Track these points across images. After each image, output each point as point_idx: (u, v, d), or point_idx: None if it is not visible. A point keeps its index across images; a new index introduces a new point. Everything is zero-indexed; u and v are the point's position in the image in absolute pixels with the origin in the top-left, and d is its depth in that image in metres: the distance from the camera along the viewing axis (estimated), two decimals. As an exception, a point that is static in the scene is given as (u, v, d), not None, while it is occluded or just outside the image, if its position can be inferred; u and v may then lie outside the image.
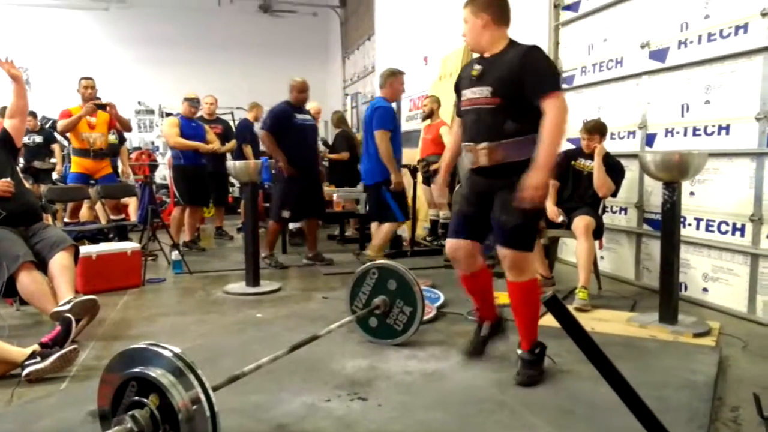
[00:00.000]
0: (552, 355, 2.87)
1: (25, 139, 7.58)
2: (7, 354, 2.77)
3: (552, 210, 4.13)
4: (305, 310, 3.95)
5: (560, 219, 4.09)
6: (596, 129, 4.13)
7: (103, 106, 5.70)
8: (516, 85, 2.43)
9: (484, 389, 2.53)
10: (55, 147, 7.87)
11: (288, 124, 5.17)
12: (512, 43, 2.58)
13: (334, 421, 2.24)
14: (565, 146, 5.17)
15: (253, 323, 3.72)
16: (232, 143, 7.08)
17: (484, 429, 2.17)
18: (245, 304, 4.20)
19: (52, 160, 7.86)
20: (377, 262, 3.15)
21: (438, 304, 3.76)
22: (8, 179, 3.52)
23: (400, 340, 3.05)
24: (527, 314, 2.60)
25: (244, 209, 5.28)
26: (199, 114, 6.67)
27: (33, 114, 8.05)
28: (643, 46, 4.41)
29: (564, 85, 5.48)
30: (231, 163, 4.93)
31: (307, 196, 5.30)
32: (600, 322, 3.49)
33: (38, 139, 7.70)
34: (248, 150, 7.39)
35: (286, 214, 5.24)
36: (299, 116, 5.33)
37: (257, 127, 6.93)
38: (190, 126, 6.27)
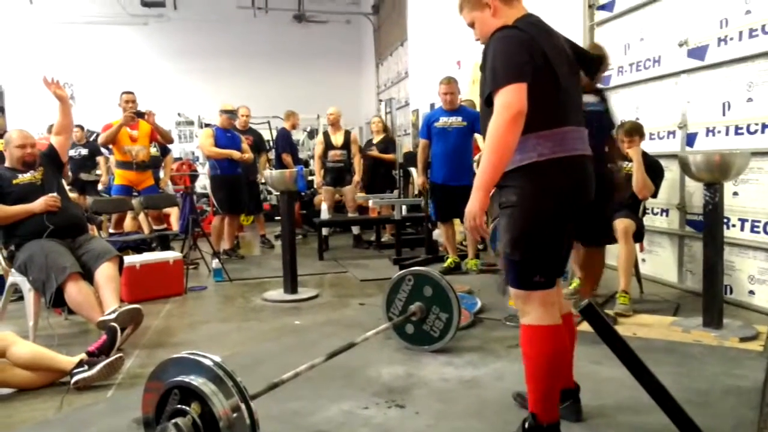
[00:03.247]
0: (591, 362, 2.83)
1: (72, 152, 7.86)
2: (57, 363, 2.87)
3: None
4: (342, 317, 3.98)
5: None
6: (635, 130, 4.05)
7: (141, 114, 5.86)
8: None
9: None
10: (100, 159, 8.11)
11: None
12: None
13: (372, 429, 2.25)
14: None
15: (291, 330, 3.76)
16: (263, 158, 7.24)
17: (523, 437, 2.15)
18: (283, 311, 4.26)
19: (98, 172, 8.10)
20: (413, 269, 3.15)
21: (475, 310, 3.74)
22: (55, 194, 3.65)
23: (436, 347, 3.05)
24: (526, 366, 1.95)
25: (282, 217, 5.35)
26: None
27: (80, 127, 8.33)
28: (681, 45, 4.32)
29: (600, 86, 5.39)
30: (268, 173, 5.02)
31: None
32: (642, 327, 3.42)
33: (84, 151, 7.95)
34: (288, 159, 7.51)
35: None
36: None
37: (296, 136, 7.05)
38: (225, 136, 6.39)
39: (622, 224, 3.88)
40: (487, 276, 5.00)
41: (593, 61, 2.09)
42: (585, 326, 2.52)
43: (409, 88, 10.66)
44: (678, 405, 1.37)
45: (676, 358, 2.91)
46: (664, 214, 4.63)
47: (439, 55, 9.03)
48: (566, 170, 1.87)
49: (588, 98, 3.00)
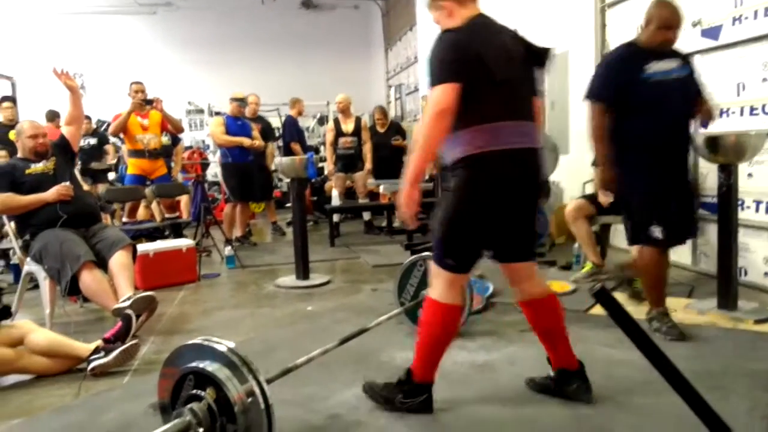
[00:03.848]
0: (604, 345, 2.82)
1: (81, 142, 7.90)
2: (74, 350, 2.92)
3: (602, 195, 4.04)
4: (354, 303, 4.00)
5: (610, 201, 4.00)
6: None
7: (150, 102, 5.88)
8: None
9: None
10: (109, 148, 8.15)
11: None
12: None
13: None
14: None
15: (303, 316, 3.78)
16: (271, 146, 7.22)
17: (537, 421, 2.16)
18: (296, 297, 4.28)
19: (109, 161, 8.13)
20: (425, 254, 3.15)
21: (487, 294, 3.74)
22: (68, 183, 3.68)
23: (449, 332, 3.05)
24: (419, 331, 2.20)
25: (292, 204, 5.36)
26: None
27: (87, 118, 8.36)
28: (694, 25, 4.25)
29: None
30: (278, 160, 5.02)
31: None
32: (655, 310, 3.40)
33: (93, 141, 7.96)
34: (296, 146, 7.51)
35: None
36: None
37: (302, 123, 7.04)
38: (235, 124, 6.40)
39: (634, 207, 3.85)
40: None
41: (541, 54, 2.20)
42: (598, 310, 2.52)
43: (419, 73, 10.60)
44: (692, 387, 1.37)
45: (690, 340, 2.90)
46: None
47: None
48: (499, 163, 2.01)
49: (668, 64, 2.95)
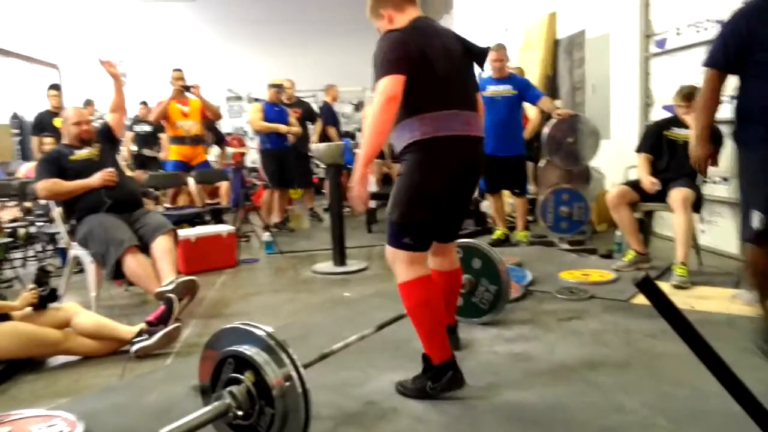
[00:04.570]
0: (647, 335, 2.76)
1: (136, 128, 8.07)
2: (118, 332, 3.00)
3: (647, 181, 3.95)
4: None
5: (657, 188, 3.90)
6: (694, 95, 3.86)
7: (188, 88, 5.96)
8: None
9: (574, 370, 2.48)
10: (162, 136, 8.27)
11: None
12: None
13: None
14: (661, 114, 4.91)
15: (340, 302, 3.81)
16: (318, 125, 7.22)
17: (574, 411, 2.13)
18: (333, 283, 4.31)
19: (159, 151, 8.26)
20: (461, 241, 3.12)
21: (525, 282, 3.69)
22: (112, 169, 3.76)
23: (485, 320, 3.03)
24: (410, 318, 2.25)
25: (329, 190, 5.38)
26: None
27: (144, 103, 8.53)
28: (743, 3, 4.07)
29: (656, 49, 5.18)
30: (315, 146, 5.04)
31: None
32: (700, 300, 3.31)
33: (147, 128, 8.03)
34: (332, 131, 7.53)
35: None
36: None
37: (339, 109, 7.06)
38: (273, 111, 6.44)
39: (680, 194, 3.74)
40: (537, 248, 4.92)
41: (480, 54, 2.39)
42: (641, 299, 2.46)
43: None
44: (740, 382, 1.32)
45: (736, 332, 2.81)
46: (725, 182, 4.44)
47: (486, 22, 8.82)
48: (444, 148, 2.16)
49: None
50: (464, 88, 2.29)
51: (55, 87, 7.14)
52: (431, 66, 2.15)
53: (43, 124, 6.54)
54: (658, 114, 5.08)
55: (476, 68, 2.41)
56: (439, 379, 2.22)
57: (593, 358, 2.59)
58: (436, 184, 2.18)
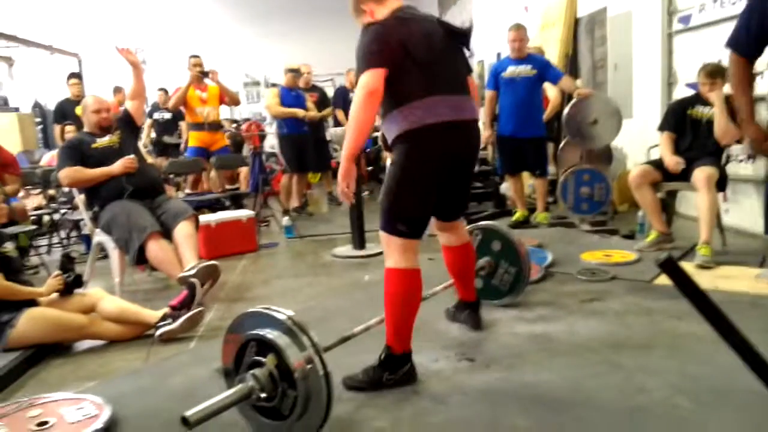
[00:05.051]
0: (670, 316, 2.73)
1: (156, 115, 8.11)
2: (142, 316, 3.05)
3: (671, 160, 3.88)
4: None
5: (681, 167, 3.84)
6: (717, 72, 3.79)
7: (206, 74, 5.98)
8: None
9: (596, 351, 2.46)
10: (182, 123, 8.31)
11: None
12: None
13: (442, 380, 2.28)
14: (684, 92, 4.82)
15: (360, 285, 3.82)
16: (327, 111, 7.18)
17: (596, 392, 2.12)
18: (352, 266, 4.32)
19: (179, 136, 8.30)
20: (480, 223, 3.11)
21: (545, 264, 3.67)
22: (132, 156, 3.80)
23: (505, 301, 3.02)
24: (385, 303, 2.22)
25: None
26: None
27: (164, 90, 8.56)
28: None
29: (680, 26, 5.07)
30: (332, 130, 5.04)
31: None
32: (725, 280, 3.26)
33: (167, 115, 8.06)
34: (340, 114, 7.46)
35: None
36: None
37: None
38: (290, 95, 6.44)
39: (704, 173, 3.68)
40: (558, 229, 4.88)
41: (463, 35, 2.36)
42: (664, 280, 2.43)
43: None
44: (765, 362, 1.30)
45: (761, 312, 2.77)
46: (751, 161, 4.35)
47: (506, 1, 8.69)
48: (433, 135, 2.15)
49: None
50: (451, 73, 2.27)
51: (76, 76, 7.22)
52: (412, 55, 2.14)
53: (65, 113, 6.62)
54: (681, 92, 4.98)
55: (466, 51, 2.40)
56: (396, 370, 2.22)
57: (615, 339, 2.57)
58: (425, 173, 2.19)
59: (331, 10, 12.27)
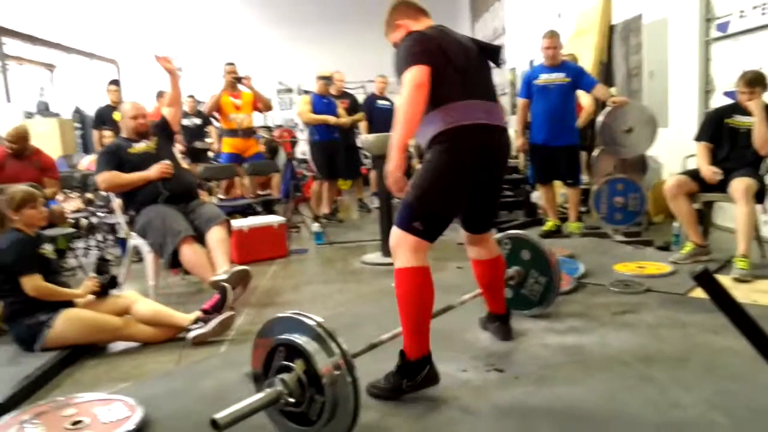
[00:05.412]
0: (706, 330, 2.67)
1: (185, 121, 8.24)
2: (175, 319, 3.10)
3: (708, 170, 3.80)
4: (439, 280, 3.91)
5: (718, 178, 3.76)
6: (757, 81, 3.70)
7: (239, 79, 6.07)
8: None
9: (629, 365, 2.42)
10: (211, 129, 8.45)
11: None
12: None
13: (470, 391, 2.26)
14: (722, 101, 4.72)
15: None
16: (359, 115, 7.18)
17: (629, 407, 2.08)
18: (381, 273, 4.32)
19: (209, 140, 8.44)
20: (510, 232, 3.09)
21: (577, 274, 3.62)
22: (168, 161, 3.88)
23: (535, 312, 2.99)
24: (400, 309, 2.19)
25: (374, 181, 5.40)
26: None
27: (191, 97, 8.71)
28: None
29: (718, 33, 4.97)
30: (363, 137, 5.06)
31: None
32: (763, 294, 3.17)
33: (197, 121, 8.18)
34: (362, 125, 7.41)
35: None
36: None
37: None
38: (322, 102, 6.50)
39: (742, 183, 3.60)
40: (590, 240, 4.81)
41: (494, 52, 2.47)
42: (699, 293, 2.38)
43: (507, 45, 10.32)
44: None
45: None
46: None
47: (538, 8, 8.64)
48: (472, 134, 2.21)
49: None
50: (485, 82, 2.38)
51: (115, 82, 7.40)
52: (452, 60, 2.23)
53: (104, 118, 6.79)
54: (718, 101, 4.88)
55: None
56: (415, 376, 2.18)
57: (648, 352, 2.52)
58: (458, 172, 2.21)
59: (363, 17, 12.39)
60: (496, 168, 2.38)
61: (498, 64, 2.47)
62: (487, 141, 2.26)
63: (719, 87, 4.99)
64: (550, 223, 5.15)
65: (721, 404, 2.03)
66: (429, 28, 2.35)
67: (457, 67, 2.24)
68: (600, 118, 4.84)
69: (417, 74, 2.14)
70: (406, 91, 2.14)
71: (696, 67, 5.20)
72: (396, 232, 2.22)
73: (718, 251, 4.02)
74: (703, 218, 4.14)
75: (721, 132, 3.91)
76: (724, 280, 3.28)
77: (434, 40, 2.25)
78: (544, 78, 4.91)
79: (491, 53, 2.46)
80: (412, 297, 2.18)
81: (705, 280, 1.31)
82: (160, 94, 7.81)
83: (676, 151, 5.10)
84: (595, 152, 5.42)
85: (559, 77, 4.86)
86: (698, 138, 4.03)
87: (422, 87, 2.15)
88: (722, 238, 4.49)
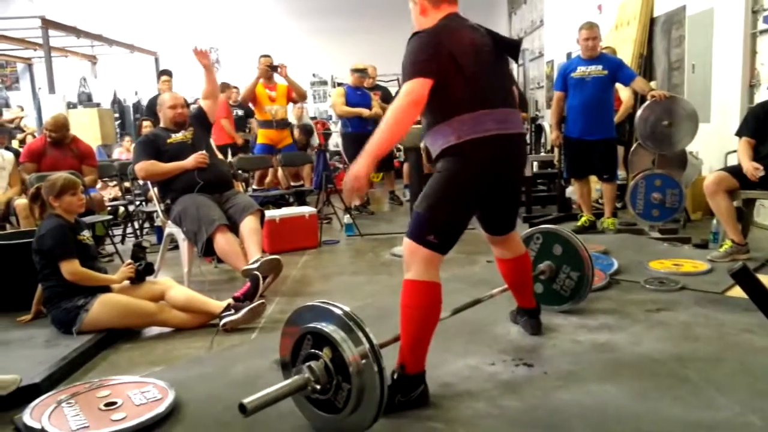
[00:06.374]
0: (742, 330, 2.60)
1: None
2: (208, 306, 3.16)
3: (749, 166, 3.69)
4: (468, 274, 3.97)
5: (760, 174, 3.64)
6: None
7: (275, 68, 6.10)
8: None
9: (662, 363, 2.37)
10: (252, 121, 8.48)
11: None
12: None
13: (498, 384, 2.25)
14: (765, 96, 4.56)
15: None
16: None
17: (661, 406, 2.04)
18: (412, 266, 4.32)
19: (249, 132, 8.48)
20: (541, 227, 3.05)
21: (611, 271, 3.55)
22: (204, 152, 3.94)
23: (566, 307, 2.95)
24: (403, 321, 2.09)
25: (406, 173, 5.39)
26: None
27: (236, 88, 8.77)
28: None
29: (764, 26, 4.80)
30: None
31: None
32: (805, 295, 3.07)
33: (240, 112, 8.15)
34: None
35: None
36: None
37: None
38: (355, 95, 6.51)
39: (785, 181, 3.48)
40: (625, 236, 4.72)
41: (512, 47, 2.38)
42: (737, 291, 2.31)
43: (545, 37, 10.16)
44: None
45: None
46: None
47: (578, 0, 8.48)
48: (483, 148, 2.12)
49: None
50: (497, 84, 2.23)
51: (167, 73, 7.44)
52: (461, 67, 2.10)
53: (154, 109, 6.89)
54: (763, 95, 4.72)
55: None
56: (409, 392, 2.07)
57: (682, 351, 2.46)
58: (470, 186, 2.14)
59: (396, 9, 12.36)
60: (511, 176, 2.31)
61: (517, 60, 2.37)
62: (498, 152, 2.16)
63: (764, 81, 4.83)
64: (583, 218, 5.07)
65: (758, 406, 1.97)
66: (441, 22, 2.20)
67: (466, 74, 2.11)
68: (638, 112, 4.73)
69: (417, 88, 2.05)
70: (400, 104, 2.05)
71: (740, 60, 5.04)
72: (409, 244, 2.13)
73: (758, 250, 3.91)
74: (743, 216, 4.02)
75: (764, 127, 3.78)
76: (764, 279, 3.18)
77: (443, 44, 2.11)
78: (581, 71, 4.82)
79: (510, 49, 2.35)
80: (418, 312, 2.09)
81: (743, 277, 1.28)
82: (226, 86, 7.81)
83: (717, 146, 4.96)
84: (633, 147, 5.31)
85: (596, 70, 4.77)
86: (740, 133, 3.91)
87: (418, 104, 2.07)
88: (762, 237, 4.37)
